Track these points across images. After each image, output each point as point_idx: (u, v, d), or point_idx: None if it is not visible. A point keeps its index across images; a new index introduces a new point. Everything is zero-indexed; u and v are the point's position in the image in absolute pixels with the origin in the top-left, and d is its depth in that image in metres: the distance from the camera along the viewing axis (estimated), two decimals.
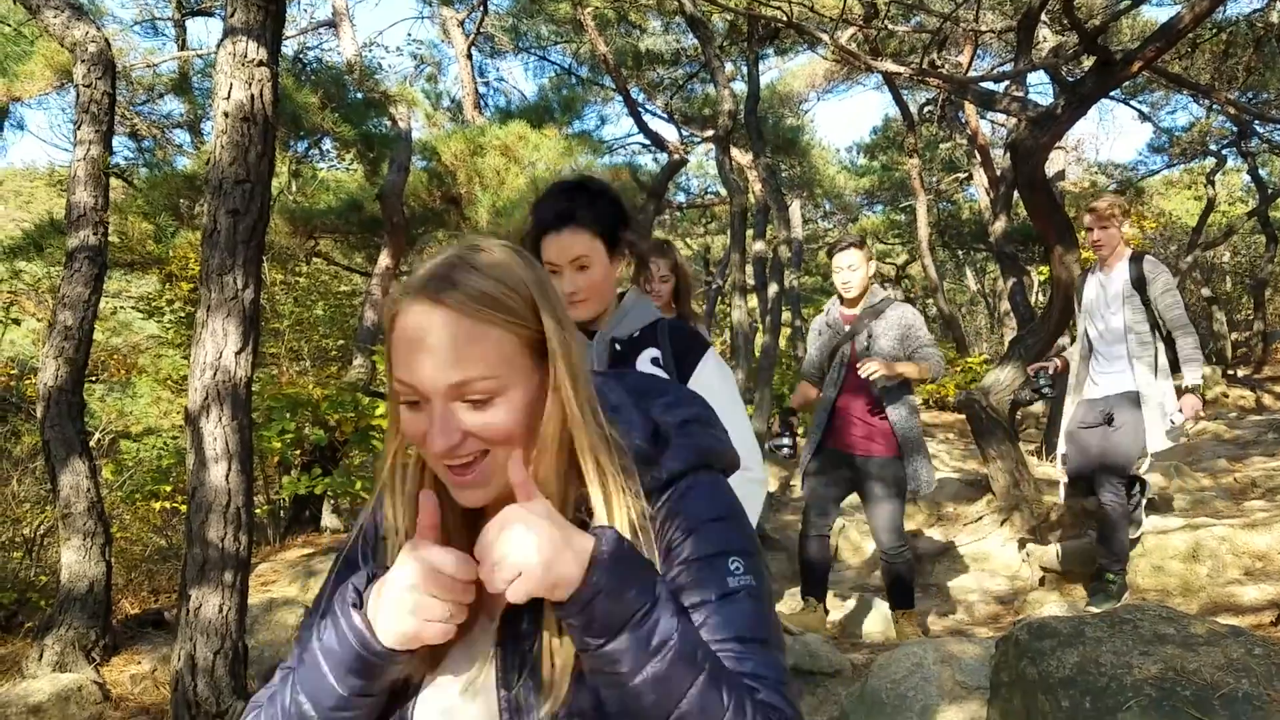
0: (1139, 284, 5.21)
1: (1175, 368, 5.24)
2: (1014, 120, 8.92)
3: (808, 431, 5.53)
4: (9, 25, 10.39)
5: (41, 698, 4.33)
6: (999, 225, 11.93)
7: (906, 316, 5.12)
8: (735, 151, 15.18)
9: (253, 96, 4.00)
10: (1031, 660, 3.16)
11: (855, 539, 7.68)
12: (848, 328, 5.20)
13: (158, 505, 6.95)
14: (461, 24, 14.04)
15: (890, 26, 11.60)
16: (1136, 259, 5.31)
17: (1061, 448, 5.72)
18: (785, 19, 8.85)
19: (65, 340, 5.09)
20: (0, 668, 4.86)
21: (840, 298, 5.32)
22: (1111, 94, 12.52)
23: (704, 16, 13.66)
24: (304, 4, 15.03)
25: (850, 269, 5.12)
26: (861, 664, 4.72)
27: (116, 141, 5.84)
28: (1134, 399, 5.18)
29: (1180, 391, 5.14)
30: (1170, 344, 5.24)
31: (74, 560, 4.92)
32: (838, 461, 5.22)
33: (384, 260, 10.40)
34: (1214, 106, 15.08)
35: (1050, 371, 5.73)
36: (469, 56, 13.84)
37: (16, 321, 9.73)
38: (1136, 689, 2.82)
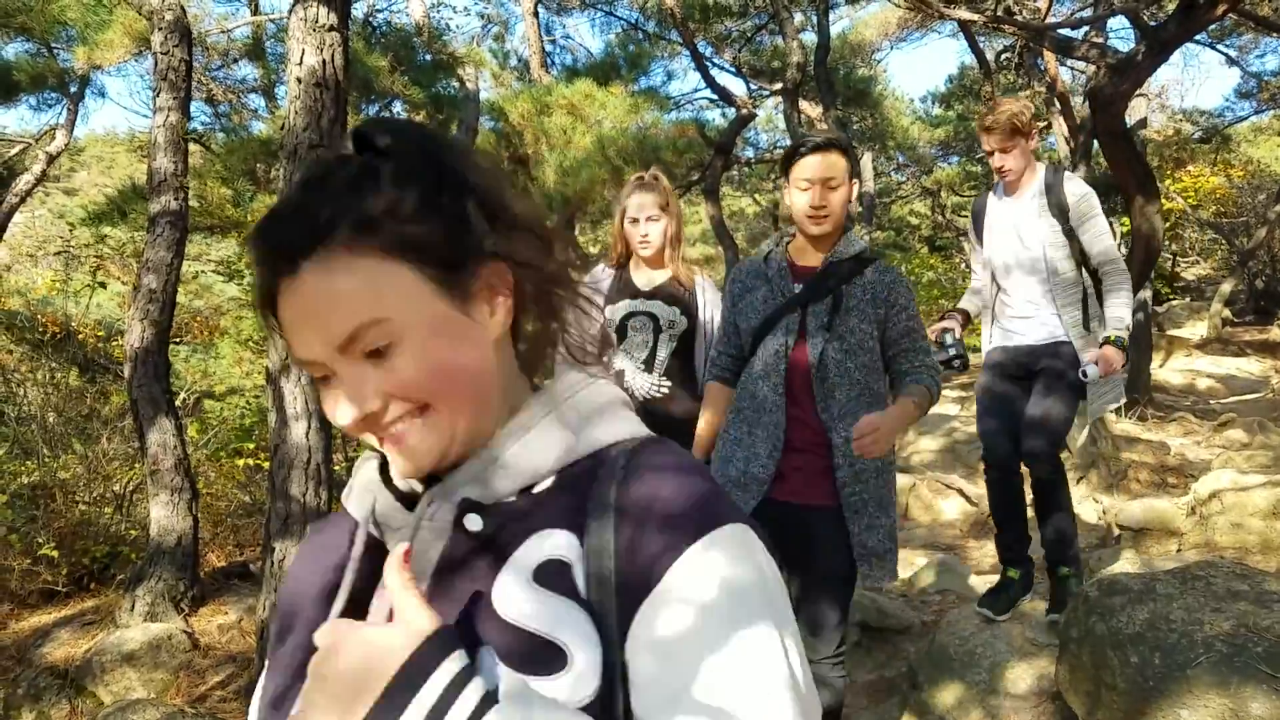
0: (1058, 208, 3.99)
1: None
2: (1094, 67, 8.67)
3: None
4: None
5: (134, 646, 4.52)
6: (1079, 175, 11.64)
7: (902, 288, 2.96)
8: (805, 104, 15.00)
9: (324, 62, 4.07)
10: (1101, 617, 3.14)
11: (926, 497, 7.65)
12: (798, 286, 2.98)
13: (241, 462, 7.17)
14: None
15: None
16: (1053, 174, 4.09)
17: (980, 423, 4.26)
18: None
19: (150, 303, 5.26)
20: (95, 618, 5.09)
21: (798, 232, 3.06)
22: (1196, 38, 12.08)
23: None
24: None
25: (827, 184, 2.89)
26: (930, 621, 4.73)
27: (193, 107, 5.98)
28: (1065, 351, 4.00)
29: (1102, 341, 3.92)
30: (1099, 283, 4.04)
31: (162, 515, 5.11)
32: (783, 523, 2.77)
33: None
34: None
35: (958, 333, 4.01)
36: (535, 14, 13.83)
37: (103, 285, 10.06)
38: (1207, 645, 2.79)
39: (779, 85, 15.11)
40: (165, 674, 4.48)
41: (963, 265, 23.51)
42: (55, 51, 11.30)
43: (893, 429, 2.70)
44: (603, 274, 3.92)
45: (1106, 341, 3.86)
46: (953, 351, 3.83)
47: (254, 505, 7.34)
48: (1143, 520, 6.15)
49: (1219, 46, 15.91)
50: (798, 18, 16.20)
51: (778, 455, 2.83)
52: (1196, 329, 17.42)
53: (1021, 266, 4.09)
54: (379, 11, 15.14)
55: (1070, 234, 3.98)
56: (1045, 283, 4.03)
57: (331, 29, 4.10)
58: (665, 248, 3.75)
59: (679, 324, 3.69)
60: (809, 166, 2.87)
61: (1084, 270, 4.04)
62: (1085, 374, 3.82)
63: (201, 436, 7.67)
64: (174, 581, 5.00)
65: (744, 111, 14.28)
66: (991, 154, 4.05)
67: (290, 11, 4.19)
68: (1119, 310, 3.92)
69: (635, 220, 3.74)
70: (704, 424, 3.13)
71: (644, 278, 3.82)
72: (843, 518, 2.78)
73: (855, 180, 2.97)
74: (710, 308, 3.73)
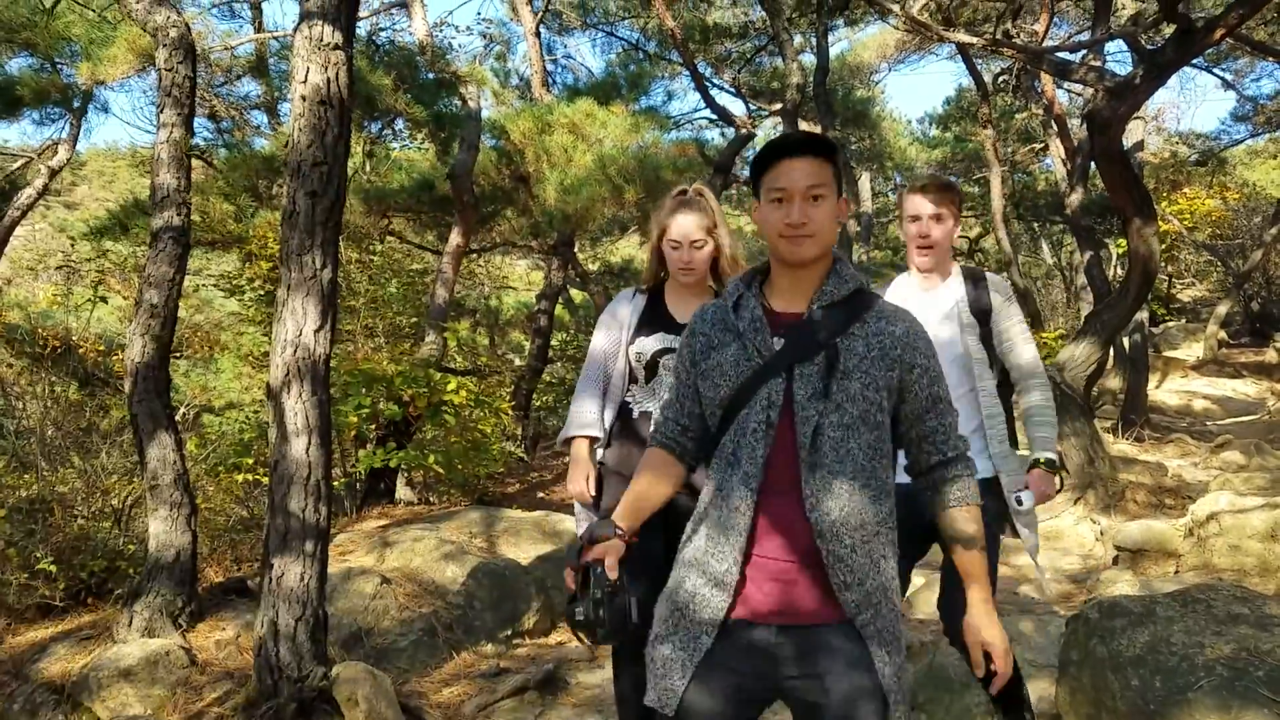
0: (979, 308, 3.40)
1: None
2: (1091, 90, 8.73)
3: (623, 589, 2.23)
4: (92, 10, 10.69)
5: (131, 662, 4.51)
6: (1076, 197, 11.70)
7: (922, 341, 2.19)
8: (804, 124, 15.07)
9: (329, 80, 4.09)
10: (1101, 639, 3.15)
11: None
12: (778, 339, 2.19)
13: (240, 477, 7.17)
14: (530, 1, 14.10)
15: None
16: (973, 276, 3.50)
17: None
18: None
19: (151, 318, 5.26)
20: (92, 633, 5.07)
21: (772, 265, 2.28)
22: (1193, 62, 12.16)
23: None
24: None
25: (809, 194, 2.14)
26: (929, 641, 4.72)
27: (196, 123, 5.99)
28: (992, 490, 3.23)
29: (1031, 464, 3.40)
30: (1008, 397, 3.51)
31: (161, 530, 5.10)
32: (746, 651, 2.12)
33: (455, 238, 10.53)
34: None
35: None
36: (537, 34, 13.90)
37: (104, 299, 10.07)
38: (1208, 669, 2.80)
39: (778, 106, 15.19)
40: (162, 690, 4.46)
41: None
42: (59, 67, 11.36)
43: (997, 623, 2.15)
44: (629, 299, 3.50)
45: (1036, 465, 3.39)
46: None
47: (252, 520, 7.33)
48: (1140, 541, 6.16)
49: (1215, 70, 16.03)
50: (797, 39, 16.30)
51: (737, 574, 2.09)
52: (1193, 350, 17.48)
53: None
54: (382, 30, 15.26)
55: (988, 342, 3.41)
56: (966, 391, 3.33)
57: (336, 47, 4.13)
58: (706, 275, 3.36)
59: None
60: (786, 173, 2.14)
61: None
62: (1020, 501, 3.26)
63: (201, 451, 7.67)
64: (172, 597, 4.98)
65: (743, 131, 14.35)
66: (916, 219, 3.42)
67: (295, 30, 4.21)
68: (1046, 430, 3.43)
69: (676, 245, 3.30)
70: (633, 491, 2.34)
71: (682, 307, 3.34)
72: (858, 633, 2.06)
73: (846, 199, 2.25)
74: None
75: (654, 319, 3.38)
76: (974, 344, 3.36)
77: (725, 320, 2.27)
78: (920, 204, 3.40)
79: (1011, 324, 3.41)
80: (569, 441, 3.45)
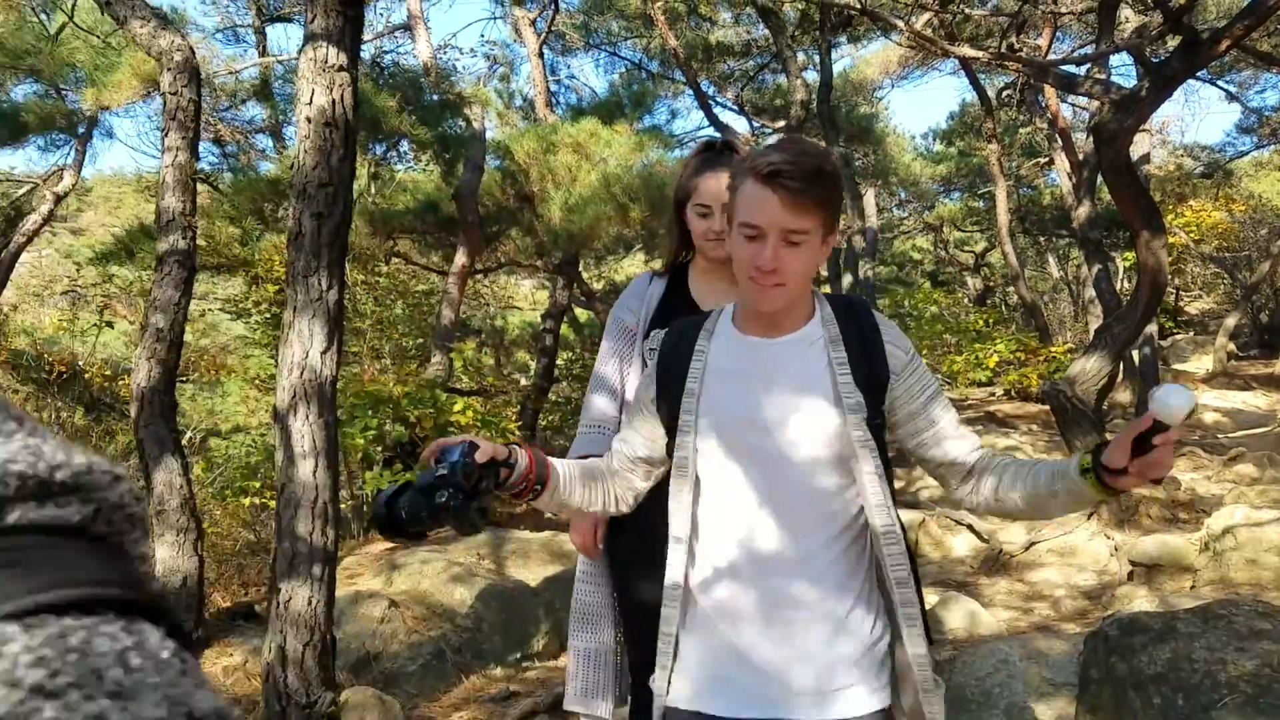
0: (868, 371, 1.81)
1: None
2: (1096, 103, 8.71)
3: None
4: (97, 37, 10.74)
5: None
6: (1083, 210, 11.66)
7: None
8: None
9: (334, 101, 4.08)
10: (1122, 656, 3.10)
11: (935, 533, 7.59)
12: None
13: (247, 501, 7.14)
14: (533, 23, 14.16)
15: (966, 10, 11.41)
16: (850, 312, 1.90)
17: None
18: (859, 6, 8.75)
19: (157, 342, 5.25)
20: None
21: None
22: (1197, 75, 12.15)
23: (775, 6, 13.61)
24: (380, 8, 15.36)
25: None
26: (944, 660, 4.66)
27: (201, 147, 5.99)
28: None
29: (1081, 471, 1.72)
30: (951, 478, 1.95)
31: (168, 555, 5.08)
32: None
33: (460, 259, 10.54)
34: None
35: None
36: (540, 55, 13.94)
37: (110, 324, 10.08)
38: (1231, 685, 2.75)
39: (781, 123, 15.23)
40: None
41: (965, 300, 23.48)
42: (63, 93, 11.42)
43: None
44: (645, 285, 2.77)
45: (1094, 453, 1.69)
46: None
47: (259, 544, 7.30)
48: (1155, 556, 6.10)
49: (1219, 82, 16.01)
50: (800, 56, 16.34)
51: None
52: (1202, 363, 17.41)
53: (780, 481, 1.82)
54: (387, 53, 15.35)
55: (881, 428, 1.83)
56: (829, 542, 1.81)
57: (341, 69, 4.12)
58: None
59: None
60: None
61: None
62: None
63: (207, 475, 7.65)
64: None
65: (747, 149, 14.39)
66: (754, 235, 1.70)
67: (300, 52, 4.21)
68: (1045, 461, 1.89)
69: (706, 210, 2.56)
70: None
71: (710, 291, 2.62)
72: None
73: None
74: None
75: (674, 307, 2.58)
76: (860, 441, 1.78)
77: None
78: (767, 209, 1.69)
79: (935, 404, 1.87)
80: None
